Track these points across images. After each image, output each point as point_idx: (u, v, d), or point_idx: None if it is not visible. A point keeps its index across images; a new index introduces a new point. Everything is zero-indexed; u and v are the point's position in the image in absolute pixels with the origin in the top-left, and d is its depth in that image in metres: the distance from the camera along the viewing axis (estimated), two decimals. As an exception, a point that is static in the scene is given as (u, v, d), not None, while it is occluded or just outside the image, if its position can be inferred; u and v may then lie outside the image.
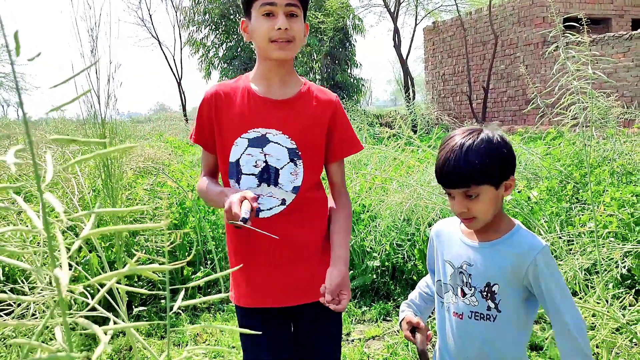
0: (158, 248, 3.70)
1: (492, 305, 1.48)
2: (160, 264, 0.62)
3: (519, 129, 10.54)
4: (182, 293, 0.63)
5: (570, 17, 3.55)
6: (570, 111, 2.50)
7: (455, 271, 1.55)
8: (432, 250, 1.68)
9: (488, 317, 1.49)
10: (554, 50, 2.34)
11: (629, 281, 3.24)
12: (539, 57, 14.39)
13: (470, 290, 1.51)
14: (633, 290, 2.99)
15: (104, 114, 3.52)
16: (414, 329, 1.61)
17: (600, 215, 3.39)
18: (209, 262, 4.27)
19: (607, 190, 3.80)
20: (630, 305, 2.78)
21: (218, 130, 1.71)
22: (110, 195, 3.15)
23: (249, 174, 1.67)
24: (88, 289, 3.42)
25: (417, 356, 1.59)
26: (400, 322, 1.67)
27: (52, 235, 0.48)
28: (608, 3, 15.14)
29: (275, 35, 1.60)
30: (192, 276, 4.06)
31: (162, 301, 3.91)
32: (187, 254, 4.15)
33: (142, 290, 0.62)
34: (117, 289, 2.42)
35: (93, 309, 2.11)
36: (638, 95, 11.79)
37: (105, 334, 0.57)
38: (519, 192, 4.09)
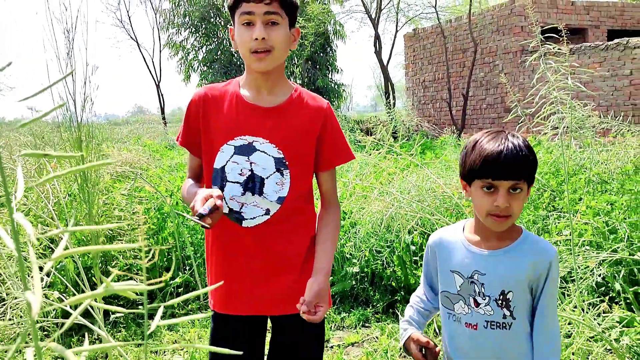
0: (135, 254, 3.65)
1: (507, 313, 1.47)
2: (138, 280, 0.60)
3: (497, 136, 10.65)
4: (161, 311, 0.61)
5: (548, 27, 3.59)
6: (549, 121, 2.53)
7: (465, 281, 1.52)
8: (433, 261, 1.64)
9: (504, 325, 1.48)
10: (535, 61, 2.37)
11: (602, 288, 3.28)
12: (518, 65, 14.60)
13: (484, 299, 1.49)
14: (607, 298, 3.04)
15: (80, 117, 3.45)
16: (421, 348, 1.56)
17: (576, 224, 3.43)
18: (187, 268, 4.22)
19: (583, 199, 3.86)
20: (604, 313, 2.82)
21: (204, 134, 1.68)
22: (87, 200, 3.09)
23: (234, 182, 1.64)
24: (64, 294, 3.35)
25: None
26: (405, 341, 1.60)
27: (25, 257, 0.46)
28: (584, 14, 15.43)
29: (253, 46, 1.56)
30: (171, 282, 4.00)
31: (140, 307, 3.85)
32: (165, 259, 4.10)
33: (120, 309, 0.60)
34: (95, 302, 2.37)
35: (69, 315, 2.06)
36: (614, 105, 12.02)
37: (81, 353, 0.55)
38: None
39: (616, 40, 12.06)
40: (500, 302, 1.47)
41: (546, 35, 2.89)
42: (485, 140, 1.44)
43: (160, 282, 0.54)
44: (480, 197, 1.45)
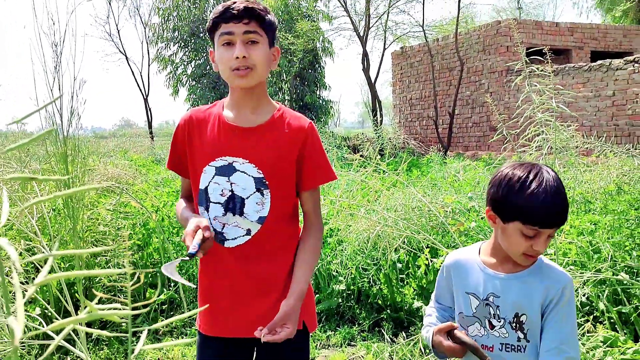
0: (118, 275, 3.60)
1: (521, 335, 1.49)
2: (122, 303, 0.59)
3: (483, 155, 10.77)
4: (145, 334, 0.60)
5: (532, 47, 3.66)
6: (534, 141, 2.56)
7: (481, 303, 1.53)
8: (448, 281, 1.65)
9: (519, 348, 1.49)
10: (521, 81, 2.41)
11: (587, 308, 3.30)
12: (503, 84, 14.78)
13: (499, 322, 1.50)
14: (591, 318, 3.06)
15: (66, 131, 3.43)
16: (448, 334, 1.54)
17: (561, 243, 3.46)
18: (172, 285, 4.18)
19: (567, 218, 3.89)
20: (588, 333, 2.84)
21: (190, 156, 1.70)
22: (71, 216, 3.06)
23: (216, 203, 1.65)
24: (46, 310, 3.30)
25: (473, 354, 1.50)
26: (432, 341, 1.56)
27: (7, 282, 0.46)
28: (568, 35, 15.71)
29: (234, 64, 1.58)
30: (145, 302, 3.96)
31: (123, 324, 3.80)
32: (150, 276, 4.05)
33: (103, 332, 0.60)
34: (78, 325, 2.34)
35: (49, 336, 2.02)
36: (597, 125, 12.21)
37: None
38: (482, 218, 4.15)
39: (599, 62, 12.28)
40: (514, 324, 1.49)
41: (531, 57, 2.94)
42: (535, 183, 1.42)
43: (146, 305, 0.54)
44: (518, 238, 1.45)
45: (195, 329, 1.78)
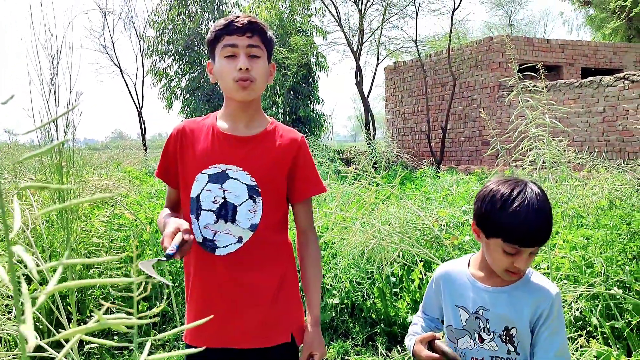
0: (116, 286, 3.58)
1: (511, 348, 1.49)
2: (127, 313, 0.60)
3: (476, 170, 10.83)
4: (148, 345, 0.61)
5: (524, 63, 3.72)
6: (527, 156, 2.59)
7: (470, 316, 1.53)
8: (437, 294, 1.66)
9: None
10: (514, 97, 2.44)
11: (580, 323, 3.31)
12: (495, 100, 14.91)
13: (489, 335, 1.50)
14: (584, 332, 3.07)
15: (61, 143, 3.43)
16: (429, 345, 1.55)
17: (554, 257, 3.48)
18: (165, 297, 4.16)
19: (559, 233, 3.92)
20: (582, 347, 2.84)
21: (181, 165, 1.71)
22: (65, 227, 3.04)
23: (208, 210, 1.66)
24: (37, 323, 3.27)
25: None
26: (413, 351, 1.58)
27: (19, 290, 0.46)
28: (559, 52, 15.91)
29: (237, 76, 1.61)
30: (147, 312, 3.93)
31: (115, 337, 3.77)
32: (143, 290, 4.02)
33: (107, 342, 0.60)
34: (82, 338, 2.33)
35: (41, 348, 2.00)
36: (588, 141, 12.32)
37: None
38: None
39: (590, 78, 12.43)
40: (504, 337, 1.49)
41: (523, 73, 2.98)
42: (517, 201, 1.41)
43: (155, 315, 0.54)
44: (499, 255, 1.45)
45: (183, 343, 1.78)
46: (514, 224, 1.39)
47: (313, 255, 1.77)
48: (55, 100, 3.32)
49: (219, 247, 1.65)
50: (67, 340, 0.72)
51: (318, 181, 1.78)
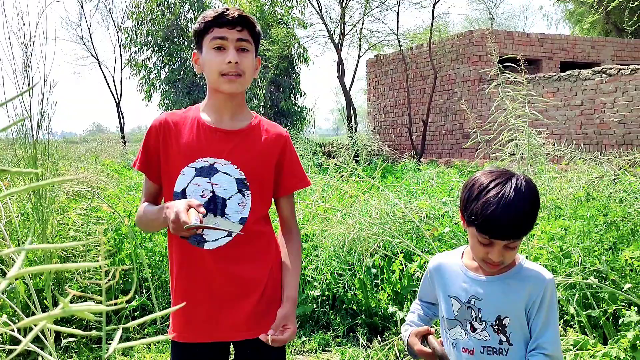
0: (91, 275, 3.53)
1: (503, 338, 1.48)
2: (96, 301, 0.58)
3: (456, 162, 10.91)
4: (119, 333, 0.59)
5: (504, 57, 3.73)
6: (507, 147, 2.60)
7: (462, 306, 1.53)
8: (431, 284, 1.66)
9: (500, 350, 1.49)
10: (494, 89, 2.45)
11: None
12: (476, 93, 15.01)
13: (481, 324, 1.50)
14: (562, 321, 3.11)
15: (36, 134, 3.36)
16: (423, 338, 1.55)
17: (532, 248, 3.51)
18: (144, 291, 4.11)
19: (538, 224, 3.96)
20: (559, 336, 2.89)
21: (164, 159, 1.67)
22: (41, 220, 2.98)
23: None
24: (14, 317, 3.21)
25: None
26: (407, 342, 1.58)
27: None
28: (538, 46, 16.06)
29: (225, 69, 1.60)
30: (126, 305, 3.89)
31: (94, 330, 3.72)
32: (121, 281, 3.98)
33: (75, 331, 0.58)
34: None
35: (18, 341, 1.96)
36: (566, 133, 12.47)
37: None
38: (455, 223, 4.19)
39: (568, 72, 12.57)
40: (496, 327, 1.48)
41: (503, 65, 2.99)
42: (492, 192, 1.39)
43: (120, 302, 0.52)
44: (476, 244, 1.45)
45: (169, 339, 1.75)
46: (485, 214, 1.38)
47: (295, 246, 1.78)
48: (29, 90, 3.25)
49: (208, 241, 1.63)
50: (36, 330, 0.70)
51: (303, 175, 1.80)
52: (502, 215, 1.36)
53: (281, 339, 1.57)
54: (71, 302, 0.54)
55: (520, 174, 1.45)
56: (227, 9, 1.62)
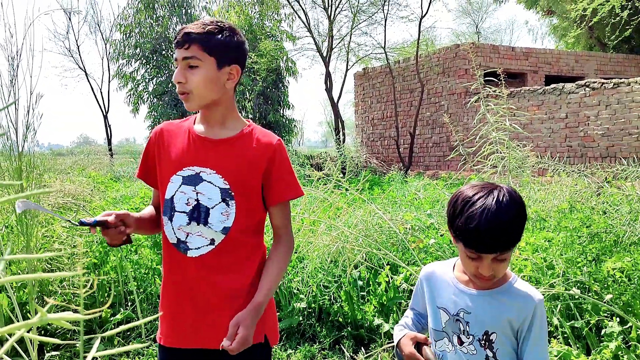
0: (76, 288, 3.51)
1: (490, 354, 1.47)
2: (74, 311, 0.59)
3: (443, 174, 10.98)
4: (98, 342, 0.60)
5: (490, 70, 3.80)
6: (490, 160, 2.64)
7: (451, 318, 1.52)
8: (421, 293, 1.65)
9: None
10: (477, 103, 2.49)
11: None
12: (462, 106, 15.15)
13: (468, 338, 1.49)
14: (546, 332, 3.13)
15: (21, 146, 3.35)
16: (417, 345, 1.53)
17: (517, 259, 3.55)
18: (129, 304, 4.09)
19: (522, 236, 3.99)
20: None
21: (159, 166, 1.73)
22: (25, 233, 2.97)
23: (181, 212, 1.66)
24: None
25: None
26: (399, 342, 1.56)
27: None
28: (524, 59, 16.28)
29: (178, 89, 1.66)
30: (111, 318, 3.86)
31: (78, 345, 3.68)
32: (106, 295, 3.95)
33: (55, 340, 0.59)
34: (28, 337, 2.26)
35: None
36: (551, 146, 12.62)
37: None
38: (441, 235, 4.22)
39: (553, 86, 12.75)
40: (483, 342, 1.47)
41: (488, 78, 3.04)
42: (475, 207, 1.38)
43: (99, 312, 0.54)
44: (465, 259, 1.44)
45: (153, 349, 1.77)
46: (469, 229, 1.37)
47: (278, 251, 1.74)
48: (15, 103, 3.24)
49: (191, 249, 1.66)
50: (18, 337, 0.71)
51: (295, 184, 1.77)
52: (485, 229, 1.34)
53: (230, 349, 1.53)
54: (50, 312, 0.55)
55: (504, 186, 1.44)
56: (184, 28, 1.64)
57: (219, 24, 1.67)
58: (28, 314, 3.36)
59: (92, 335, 0.92)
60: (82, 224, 1.49)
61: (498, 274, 1.45)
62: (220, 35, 1.65)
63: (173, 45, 1.69)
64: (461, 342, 1.50)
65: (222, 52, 1.66)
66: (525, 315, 1.45)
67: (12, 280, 0.49)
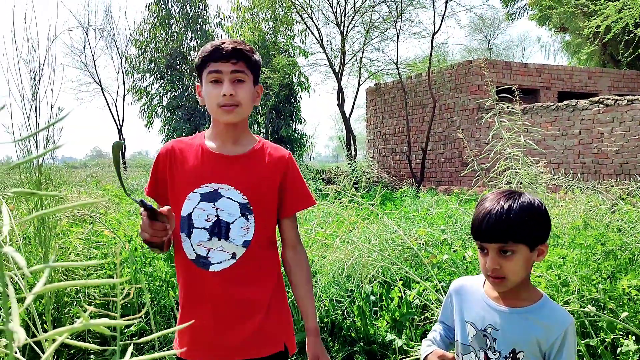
0: (91, 300, 3.54)
1: None
2: (113, 318, 0.62)
3: (455, 190, 10.96)
4: (130, 349, 0.63)
5: (502, 87, 3.82)
6: (504, 176, 2.65)
7: (478, 333, 1.53)
8: (450, 307, 1.67)
9: None
10: (491, 119, 2.51)
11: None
12: (474, 122, 15.14)
13: (495, 354, 1.49)
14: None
15: (41, 159, 3.41)
16: None
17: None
18: (143, 316, 4.11)
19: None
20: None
21: (170, 184, 1.75)
22: (43, 244, 3.01)
23: (201, 228, 1.69)
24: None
25: None
26: (425, 358, 1.60)
27: (4, 290, 0.48)
28: (536, 76, 16.26)
29: (222, 101, 1.68)
30: (125, 330, 3.88)
31: (92, 356, 3.71)
32: (120, 307, 3.98)
33: (93, 346, 0.62)
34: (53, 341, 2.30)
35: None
36: (564, 163, 12.56)
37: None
38: (454, 251, 4.21)
39: (566, 102, 12.72)
40: None
41: (501, 94, 3.06)
42: (487, 202, 1.46)
43: (137, 318, 0.56)
44: (479, 258, 1.50)
45: (174, 357, 1.80)
46: (477, 218, 1.45)
47: (305, 269, 1.83)
48: (36, 117, 3.31)
49: (213, 264, 1.69)
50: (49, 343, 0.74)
51: (307, 195, 1.84)
52: (488, 217, 1.41)
53: None
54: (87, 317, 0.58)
55: (531, 195, 1.48)
56: (223, 43, 1.70)
57: (245, 44, 1.74)
58: (44, 325, 3.39)
59: (107, 347, 0.95)
60: (142, 203, 1.48)
61: (508, 274, 1.44)
62: (255, 55, 1.75)
63: (210, 58, 1.70)
64: (487, 358, 1.51)
65: (257, 72, 1.77)
66: (556, 338, 1.44)
67: (55, 287, 0.52)
